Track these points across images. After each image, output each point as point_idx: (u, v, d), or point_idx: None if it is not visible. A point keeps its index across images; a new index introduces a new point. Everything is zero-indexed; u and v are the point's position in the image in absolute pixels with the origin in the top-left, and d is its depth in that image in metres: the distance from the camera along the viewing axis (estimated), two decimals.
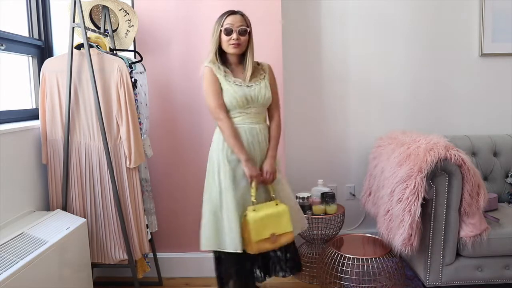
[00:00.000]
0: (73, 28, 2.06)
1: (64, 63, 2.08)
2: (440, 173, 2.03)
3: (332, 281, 2.22)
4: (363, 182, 2.62)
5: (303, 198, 2.52)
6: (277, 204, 1.94)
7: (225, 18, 1.93)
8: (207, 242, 1.96)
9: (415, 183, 1.97)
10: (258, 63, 2.05)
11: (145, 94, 2.31)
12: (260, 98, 1.96)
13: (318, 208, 2.49)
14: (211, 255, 2.06)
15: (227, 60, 2.01)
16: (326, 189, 2.58)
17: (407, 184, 2.00)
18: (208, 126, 2.40)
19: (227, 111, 1.95)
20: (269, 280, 2.15)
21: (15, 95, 2.36)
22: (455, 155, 2.00)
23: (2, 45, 2.09)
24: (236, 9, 1.98)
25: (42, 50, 2.49)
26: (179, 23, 2.48)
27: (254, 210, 1.88)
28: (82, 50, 2.09)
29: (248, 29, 1.96)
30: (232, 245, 1.89)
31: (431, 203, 2.06)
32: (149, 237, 2.37)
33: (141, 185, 2.28)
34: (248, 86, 1.95)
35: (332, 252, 2.23)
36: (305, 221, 2.17)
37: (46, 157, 2.15)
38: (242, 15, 1.97)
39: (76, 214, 2.12)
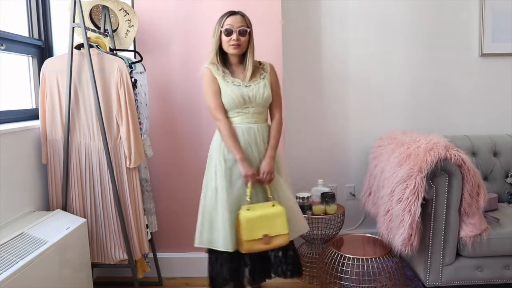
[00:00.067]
0: (73, 28, 2.06)
1: (64, 63, 2.08)
2: (440, 173, 2.03)
3: (332, 281, 2.22)
4: (363, 182, 2.62)
5: (303, 198, 2.52)
6: (273, 205, 1.93)
7: (225, 19, 1.94)
8: (200, 238, 1.99)
9: (415, 183, 1.97)
10: (260, 63, 2.06)
11: (145, 94, 2.31)
12: (258, 98, 1.96)
13: (318, 208, 2.49)
14: None
15: (228, 60, 2.02)
16: (326, 189, 2.58)
17: (407, 184, 2.00)
18: (208, 126, 2.40)
19: (225, 111, 1.98)
20: (269, 280, 2.15)
21: (15, 95, 2.36)
22: (455, 155, 2.00)
23: (2, 45, 2.09)
24: (236, 10, 1.98)
25: (42, 50, 2.49)
26: (179, 23, 2.48)
27: (248, 209, 1.89)
28: (82, 50, 2.09)
29: (248, 30, 1.96)
30: (223, 244, 1.90)
31: (431, 203, 2.06)
32: (149, 237, 2.37)
33: (141, 185, 2.29)
34: (246, 86, 1.96)
35: (332, 252, 2.23)
36: (304, 225, 2.10)
37: (46, 157, 2.15)
38: (243, 15, 1.97)
39: (76, 214, 2.12)
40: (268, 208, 1.92)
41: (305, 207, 2.50)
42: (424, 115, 2.84)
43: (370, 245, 2.37)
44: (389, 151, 2.29)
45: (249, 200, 1.91)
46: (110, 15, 2.32)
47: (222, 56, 2.00)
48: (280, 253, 2.04)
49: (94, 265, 2.20)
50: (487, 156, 2.63)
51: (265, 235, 1.89)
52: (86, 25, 2.05)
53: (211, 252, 2.01)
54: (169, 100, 2.54)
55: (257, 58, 2.04)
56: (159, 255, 2.58)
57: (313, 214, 2.49)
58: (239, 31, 1.93)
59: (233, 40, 1.92)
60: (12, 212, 1.92)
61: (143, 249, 2.25)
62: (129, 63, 2.17)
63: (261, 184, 1.97)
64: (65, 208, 2.13)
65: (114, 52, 2.27)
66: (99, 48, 2.11)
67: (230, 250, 1.90)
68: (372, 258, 2.16)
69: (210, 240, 1.96)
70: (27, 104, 2.43)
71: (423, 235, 2.06)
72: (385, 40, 2.79)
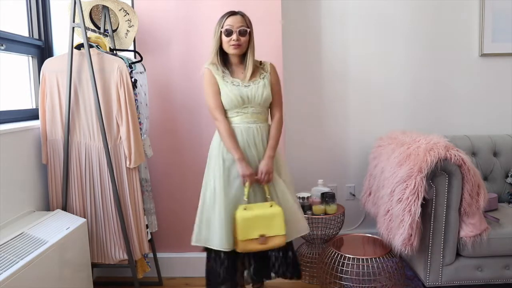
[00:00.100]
0: (73, 28, 2.06)
1: (64, 63, 2.08)
2: (440, 173, 2.03)
3: (332, 281, 2.22)
4: (363, 182, 2.62)
5: (303, 198, 2.52)
6: (271, 206, 1.92)
7: (225, 19, 1.94)
8: (196, 237, 2.00)
9: (415, 183, 1.96)
10: (260, 63, 2.06)
11: (145, 94, 2.31)
12: (257, 98, 1.96)
13: (318, 208, 2.49)
14: None
15: (229, 61, 2.03)
16: (326, 189, 2.58)
17: (407, 184, 2.00)
18: (208, 126, 2.41)
19: (224, 111, 1.99)
20: (269, 280, 2.15)
21: (15, 95, 2.36)
22: (455, 155, 2.00)
23: (2, 45, 2.09)
24: (236, 10, 1.98)
25: (42, 50, 2.49)
26: (179, 23, 2.48)
27: (245, 209, 1.89)
28: (82, 50, 2.09)
29: (249, 30, 1.96)
30: (219, 243, 1.91)
31: (431, 203, 2.06)
32: (149, 237, 2.37)
33: (141, 185, 2.29)
34: (245, 86, 1.97)
35: (332, 252, 2.23)
36: (304, 226, 2.07)
37: (46, 157, 2.15)
38: (243, 15, 1.97)
39: (76, 214, 2.12)
40: (265, 208, 1.92)
41: (305, 207, 2.50)
42: (424, 115, 2.84)
43: (370, 245, 2.37)
44: (389, 151, 2.29)
45: (246, 199, 1.92)
46: (110, 15, 2.32)
47: (223, 56, 2.01)
48: (281, 253, 2.04)
49: (94, 265, 2.20)
50: (487, 156, 2.63)
51: (261, 235, 1.89)
52: (86, 25, 2.05)
53: (209, 251, 2.01)
54: (169, 100, 2.54)
55: (257, 58, 2.04)
56: (159, 255, 2.58)
57: (313, 214, 2.49)
58: (239, 31, 1.93)
59: (233, 40, 1.93)
60: (12, 212, 1.92)
61: (143, 249, 2.25)
62: (129, 63, 2.17)
63: (259, 184, 1.97)
64: (65, 208, 2.13)
65: (114, 52, 2.27)
66: (99, 48, 2.11)
67: (225, 250, 1.91)
68: (372, 258, 2.16)
69: (206, 239, 1.97)
70: (27, 104, 2.43)
71: (423, 235, 2.06)
72: (385, 40, 2.79)
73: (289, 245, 2.04)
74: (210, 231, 1.95)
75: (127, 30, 2.34)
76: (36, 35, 2.47)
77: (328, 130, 2.86)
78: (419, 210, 1.97)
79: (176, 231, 2.57)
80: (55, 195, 2.16)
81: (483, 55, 2.79)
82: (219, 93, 1.97)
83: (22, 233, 1.76)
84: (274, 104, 2.05)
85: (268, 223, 1.89)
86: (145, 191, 2.34)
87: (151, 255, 2.51)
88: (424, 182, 1.97)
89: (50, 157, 2.15)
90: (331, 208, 2.49)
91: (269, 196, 1.96)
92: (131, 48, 2.43)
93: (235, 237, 1.90)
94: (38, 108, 2.21)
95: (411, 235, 1.98)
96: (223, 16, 1.96)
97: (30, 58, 2.43)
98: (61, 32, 2.51)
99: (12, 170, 1.94)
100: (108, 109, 2.12)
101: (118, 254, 2.17)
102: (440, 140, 2.09)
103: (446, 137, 2.16)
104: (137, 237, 2.20)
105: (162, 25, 2.48)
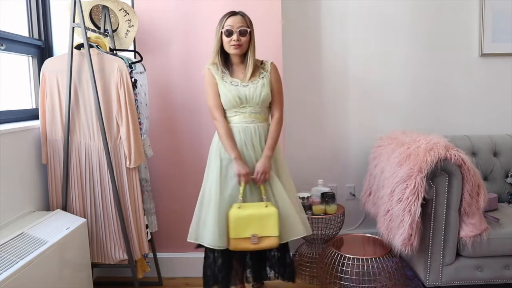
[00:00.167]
0: (73, 28, 2.06)
1: (64, 63, 2.08)
2: (440, 173, 2.03)
3: (332, 281, 2.22)
4: (363, 182, 2.62)
5: (303, 198, 2.52)
6: (266, 206, 1.93)
7: (225, 20, 1.95)
8: (191, 233, 2.02)
9: (415, 183, 1.96)
10: (262, 62, 2.06)
11: (145, 94, 2.31)
12: (255, 98, 1.97)
13: (318, 208, 2.49)
14: None
15: (230, 60, 2.03)
16: (326, 189, 2.58)
17: (407, 184, 2.00)
18: (208, 126, 2.41)
19: (223, 111, 2.00)
20: (268, 281, 2.16)
21: (15, 95, 2.36)
22: (455, 155, 2.00)
23: (2, 45, 2.09)
24: (236, 10, 1.99)
25: (42, 50, 2.49)
26: (179, 23, 2.48)
27: (239, 207, 1.91)
28: (82, 50, 2.09)
29: (249, 30, 1.96)
30: (210, 240, 1.93)
31: (431, 203, 2.06)
32: (149, 237, 2.37)
33: (141, 185, 2.29)
34: (244, 85, 1.97)
35: (332, 252, 2.23)
36: (300, 229, 2.00)
37: (46, 157, 2.15)
38: (243, 15, 1.98)
39: (76, 214, 2.12)
40: (260, 208, 1.92)
41: (305, 207, 2.49)
42: (424, 115, 2.84)
43: (370, 245, 2.37)
44: (389, 151, 2.29)
45: (241, 198, 1.93)
46: (110, 15, 2.32)
47: (224, 56, 2.02)
48: (278, 254, 2.04)
49: (94, 265, 2.20)
50: (487, 156, 2.63)
51: (254, 235, 1.89)
52: (86, 25, 2.05)
53: (205, 249, 2.04)
54: (169, 100, 2.54)
55: (257, 58, 2.05)
56: (159, 255, 2.58)
57: (313, 214, 2.49)
58: (240, 31, 1.93)
59: (234, 40, 1.93)
60: (12, 212, 1.92)
61: (143, 249, 2.25)
62: (129, 63, 2.16)
63: (256, 184, 1.97)
64: (65, 208, 2.13)
65: (114, 52, 2.27)
66: (99, 48, 2.11)
67: (215, 247, 1.92)
68: (372, 258, 2.16)
69: (199, 236, 1.99)
70: (27, 104, 2.43)
71: (423, 235, 2.06)
72: (385, 40, 2.79)
73: (286, 247, 2.05)
74: (203, 228, 1.98)
75: (127, 30, 2.34)
76: (36, 35, 2.47)
77: (328, 130, 2.86)
78: (419, 210, 1.97)
79: (176, 231, 2.57)
80: (55, 195, 2.16)
81: (483, 55, 2.79)
82: (219, 93, 1.98)
83: (22, 233, 1.76)
84: (274, 104, 2.05)
85: (262, 223, 1.89)
86: (145, 191, 2.34)
87: (151, 255, 2.51)
88: (424, 182, 1.97)
89: (50, 157, 2.15)
90: (331, 208, 2.49)
91: (264, 197, 1.96)
92: (131, 48, 2.43)
93: (228, 235, 1.91)
94: (38, 108, 2.21)
95: (411, 235, 1.98)
96: (223, 17, 1.97)
97: (30, 58, 2.43)
98: (61, 32, 2.51)
99: (12, 170, 1.94)
100: (108, 109, 2.11)
101: (118, 254, 2.17)
102: (440, 140, 2.09)
103: (446, 137, 2.16)
104: (137, 237, 2.20)
105: (162, 25, 2.48)
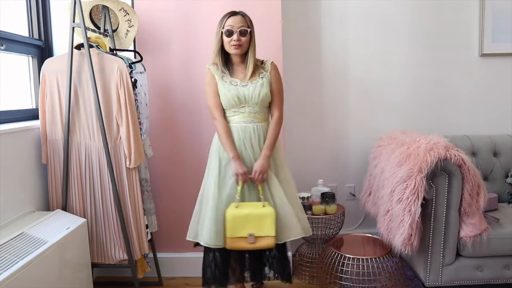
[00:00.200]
0: (73, 28, 2.06)
1: (64, 63, 2.08)
2: (440, 173, 2.03)
3: (332, 281, 2.22)
4: (363, 182, 2.62)
5: (303, 198, 2.52)
6: (264, 206, 1.93)
7: (226, 20, 1.95)
8: (189, 231, 2.04)
9: (415, 183, 1.96)
10: (262, 62, 2.06)
11: (145, 94, 2.31)
12: (254, 97, 1.97)
13: (318, 208, 2.49)
14: None
15: (230, 60, 2.04)
16: (326, 189, 2.58)
17: (407, 184, 2.00)
18: (208, 126, 2.41)
19: (223, 111, 2.01)
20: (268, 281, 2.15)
21: (15, 95, 2.36)
22: (455, 155, 2.00)
23: (2, 45, 2.09)
24: (237, 10, 1.99)
25: (42, 50, 2.49)
26: (179, 23, 2.48)
27: (236, 207, 1.91)
28: (82, 50, 2.09)
29: (249, 30, 1.97)
30: (207, 238, 1.94)
31: (431, 203, 2.06)
32: (149, 237, 2.37)
33: (141, 185, 2.29)
34: (243, 85, 1.98)
35: (332, 252, 2.23)
36: (298, 231, 1.99)
37: (46, 157, 2.15)
38: (243, 15, 1.98)
39: (76, 214, 2.12)
40: (257, 208, 1.92)
41: (305, 207, 2.49)
42: (424, 115, 2.84)
43: (370, 245, 2.37)
44: (389, 151, 2.29)
45: (238, 198, 1.93)
46: (110, 15, 2.32)
47: (225, 56, 2.02)
48: (277, 254, 2.05)
49: (94, 265, 2.20)
50: (487, 156, 2.63)
51: (251, 235, 1.89)
52: (86, 25, 2.05)
53: (204, 249, 2.05)
54: (169, 100, 2.54)
55: (258, 58, 2.05)
56: (159, 255, 2.58)
57: (313, 214, 2.49)
58: (240, 31, 1.94)
59: (234, 40, 1.94)
60: (12, 212, 1.92)
61: (143, 249, 2.25)
62: (129, 63, 2.16)
63: (254, 183, 1.97)
64: (65, 208, 2.13)
65: (114, 52, 2.27)
66: (99, 48, 2.11)
67: (212, 246, 1.94)
68: (372, 258, 2.16)
69: (197, 234, 2.01)
70: (27, 104, 2.43)
71: (423, 235, 2.06)
72: (385, 40, 2.79)
73: (284, 247, 2.05)
74: (201, 226, 1.99)
75: (127, 30, 2.34)
76: (36, 35, 2.47)
77: (328, 130, 2.86)
78: (419, 210, 1.97)
79: (176, 231, 2.57)
80: (55, 195, 2.16)
81: (483, 55, 2.79)
82: (218, 93, 1.99)
83: (22, 233, 1.76)
84: (273, 103, 2.05)
85: (259, 223, 1.89)
86: (145, 191, 2.34)
87: (151, 255, 2.51)
88: (424, 182, 1.97)
89: (50, 157, 2.15)
90: (331, 208, 2.49)
91: (262, 196, 1.96)
92: (131, 48, 2.43)
93: (224, 234, 1.92)
94: (38, 108, 2.21)
95: (411, 235, 1.98)
96: (224, 17, 1.97)
97: (30, 58, 2.43)
98: (61, 32, 2.51)
99: (12, 170, 1.94)
100: (108, 109, 2.11)
101: (118, 254, 2.17)
102: (440, 140, 2.09)
103: (446, 137, 2.16)
104: (137, 237, 2.20)
105: (162, 25, 2.48)
